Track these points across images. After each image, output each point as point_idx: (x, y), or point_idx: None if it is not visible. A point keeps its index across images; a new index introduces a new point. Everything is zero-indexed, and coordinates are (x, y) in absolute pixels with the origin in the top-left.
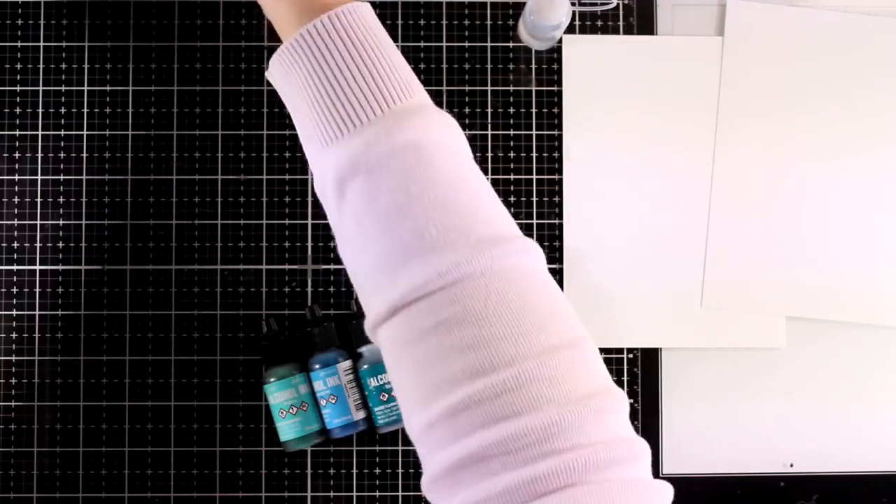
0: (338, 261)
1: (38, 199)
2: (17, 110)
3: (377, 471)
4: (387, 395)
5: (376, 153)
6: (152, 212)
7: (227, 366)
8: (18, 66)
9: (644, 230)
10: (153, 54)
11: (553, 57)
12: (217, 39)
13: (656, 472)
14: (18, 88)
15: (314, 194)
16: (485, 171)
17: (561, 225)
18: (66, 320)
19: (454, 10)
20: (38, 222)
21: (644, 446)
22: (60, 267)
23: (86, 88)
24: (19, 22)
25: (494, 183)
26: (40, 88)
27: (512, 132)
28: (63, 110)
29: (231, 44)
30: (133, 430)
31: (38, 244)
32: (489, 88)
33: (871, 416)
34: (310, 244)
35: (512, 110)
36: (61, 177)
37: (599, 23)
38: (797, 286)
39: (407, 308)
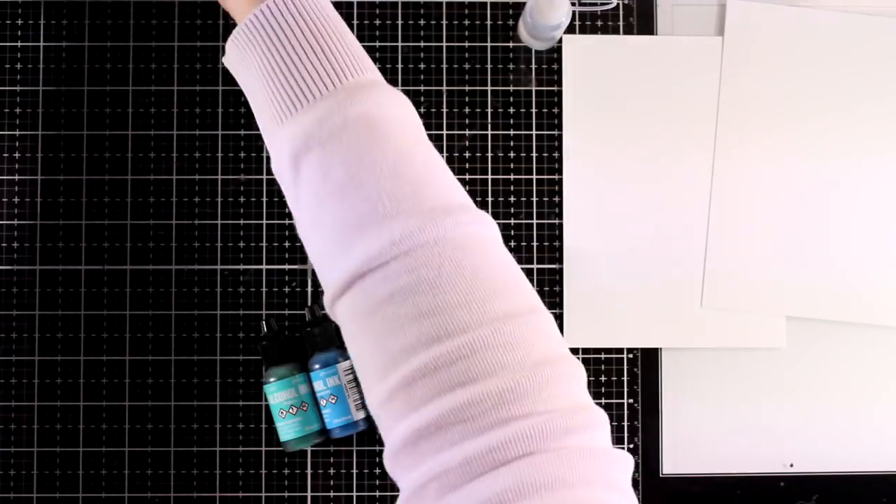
0: None
1: (39, 199)
2: (17, 110)
3: (377, 471)
4: None
5: (329, 127)
6: (152, 212)
7: (227, 366)
8: (18, 66)
9: (644, 230)
10: (153, 54)
11: (553, 57)
12: (217, 39)
13: (656, 472)
14: (18, 88)
15: None
16: (485, 171)
17: (561, 225)
18: (66, 320)
19: (454, 10)
20: (39, 222)
21: (602, 415)
22: (60, 267)
23: (86, 88)
24: (19, 22)
25: (494, 183)
26: (40, 88)
27: (512, 132)
28: (63, 110)
29: None
30: (133, 430)
31: (38, 244)
32: (489, 88)
33: (871, 416)
34: None
35: (512, 110)
36: (61, 177)
37: (599, 23)
38: (797, 286)
39: (362, 279)
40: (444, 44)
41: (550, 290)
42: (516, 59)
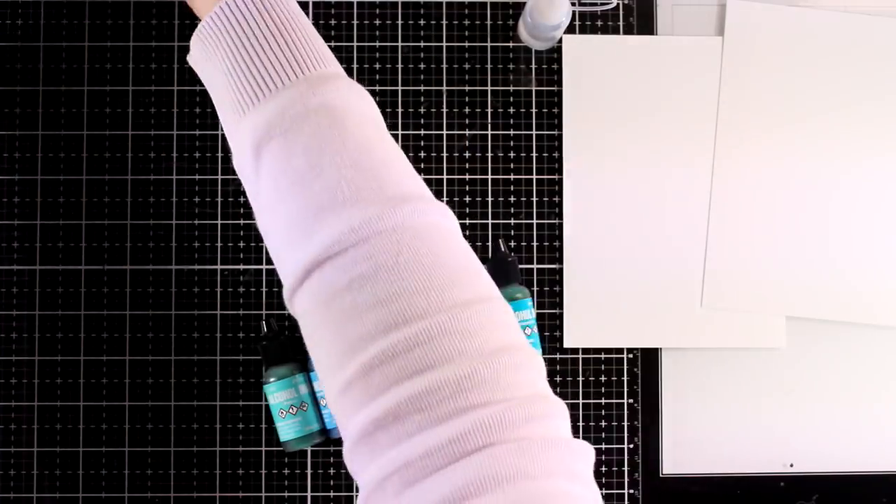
0: None
1: (39, 199)
2: (18, 110)
3: None
4: None
5: (290, 115)
6: (152, 212)
7: (227, 366)
8: (18, 66)
9: (644, 230)
10: (153, 54)
11: (553, 57)
12: None
13: (656, 472)
14: (19, 88)
15: None
16: (485, 171)
17: (561, 225)
18: (66, 320)
19: (454, 10)
20: (39, 222)
21: (561, 405)
22: (60, 267)
23: (86, 88)
24: (19, 22)
25: (494, 183)
26: (40, 88)
27: (512, 132)
28: (63, 110)
29: None
30: (133, 430)
31: (38, 244)
32: (489, 88)
33: (871, 416)
34: None
35: (512, 110)
36: (61, 177)
37: (599, 23)
38: (797, 286)
39: (321, 268)
40: (444, 44)
41: (550, 290)
42: (516, 59)
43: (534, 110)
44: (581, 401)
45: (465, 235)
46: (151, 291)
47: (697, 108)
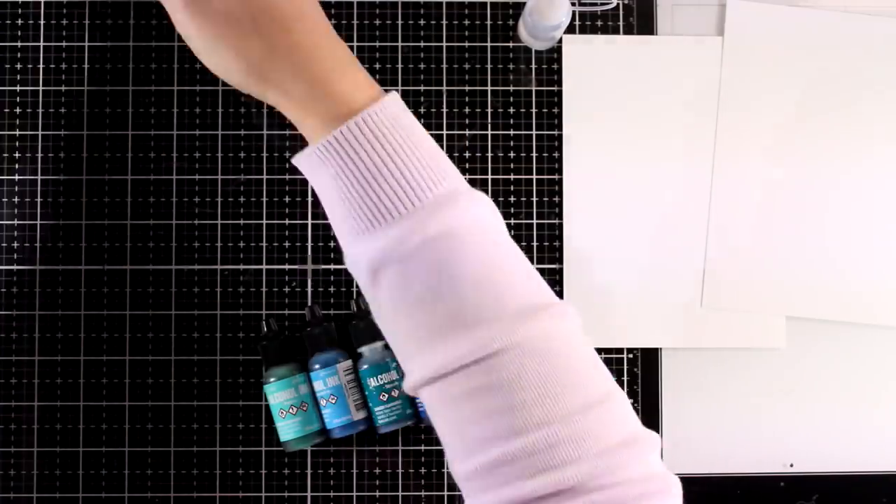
0: (338, 261)
1: (38, 199)
2: (17, 110)
3: (377, 471)
4: (387, 395)
5: (408, 247)
6: (152, 212)
7: (227, 366)
8: (18, 66)
9: (644, 230)
10: (153, 54)
11: (553, 57)
12: None
13: None
14: (18, 88)
15: (314, 194)
16: (485, 171)
17: (561, 225)
18: (66, 320)
19: (454, 10)
20: (38, 222)
21: (676, 482)
22: (60, 267)
23: (86, 88)
24: (19, 22)
25: (494, 183)
26: (40, 88)
27: (512, 132)
28: (63, 110)
29: None
30: (133, 430)
31: (38, 244)
32: (489, 88)
33: (871, 416)
34: (310, 244)
35: (512, 110)
36: (61, 177)
37: (599, 23)
38: (797, 286)
39: (443, 378)
40: (444, 44)
41: None
42: (516, 59)
43: (534, 110)
44: None
45: None
46: (151, 291)
47: (697, 108)
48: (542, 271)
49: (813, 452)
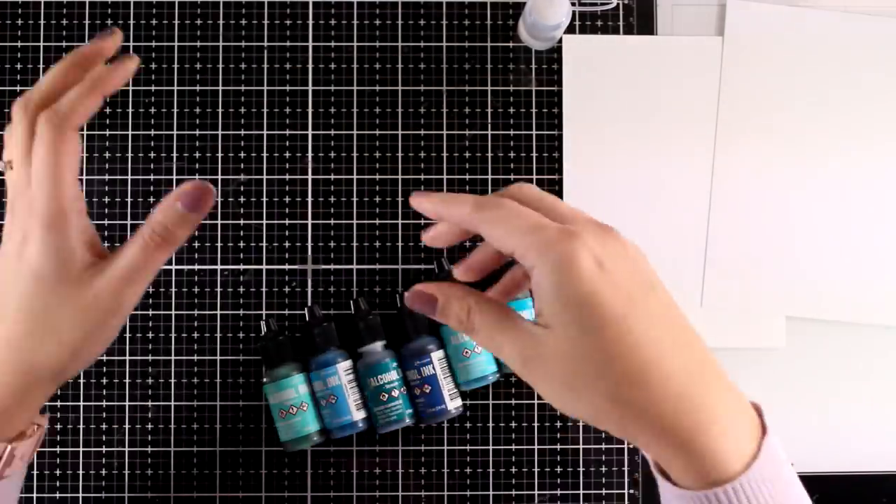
0: (338, 261)
1: None
2: None
3: (377, 471)
4: (386, 395)
5: None
6: (152, 212)
7: (227, 366)
8: (18, 66)
9: (644, 230)
10: (153, 54)
11: (553, 57)
12: (217, 40)
13: None
14: (19, 88)
15: (314, 194)
16: (485, 171)
17: None
18: None
19: (454, 10)
20: None
21: None
22: None
23: None
24: (19, 22)
25: (494, 183)
26: None
27: (512, 132)
28: None
29: (231, 44)
30: (133, 430)
31: None
32: (489, 88)
33: (871, 416)
34: (310, 244)
35: (512, 110)
36: None
37: (599, 23)
38: (797, 286)
39: None
40: (444, 44)
41: None
42: (516, 59)
43: (534, 110)
44: None
45: None
46: (151, 291)
47: (697, 108)
48: None
49: (813, 452)
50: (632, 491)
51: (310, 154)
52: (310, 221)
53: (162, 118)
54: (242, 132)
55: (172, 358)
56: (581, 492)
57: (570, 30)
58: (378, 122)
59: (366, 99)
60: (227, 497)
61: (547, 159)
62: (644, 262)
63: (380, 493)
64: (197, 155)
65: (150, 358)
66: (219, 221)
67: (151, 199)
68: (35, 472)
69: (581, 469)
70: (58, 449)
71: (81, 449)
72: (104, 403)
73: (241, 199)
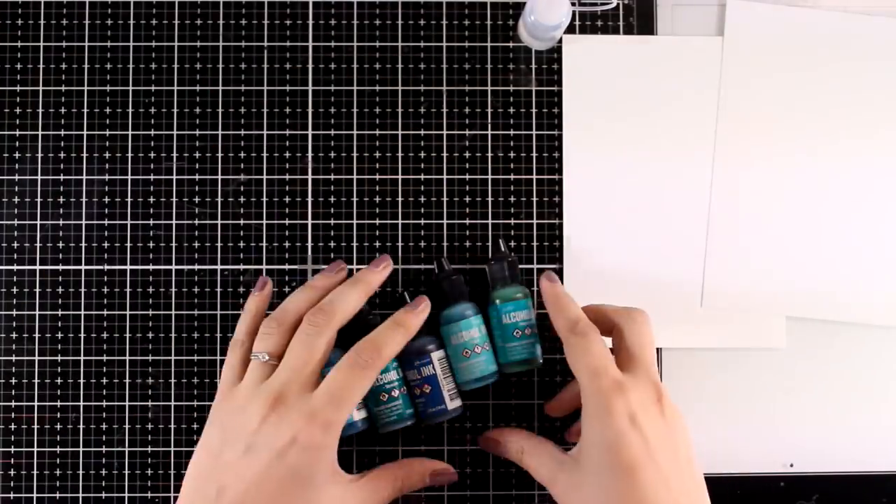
0: None
1: (38, 199)
2: (17, 110)
3: None
4: (387, 396)
5: None
6: (152, 212)
7: None
8: (18, 66)
9: (644, 230)
10: (153, 54)
11: (553, 57)
12: (217, 40)
13: None
14: (18, 88)
15: (314, 194)
16: (485, 171)
17: (561, 225)
18: (66, 320)
19: (454, 10)
20: (38, 222)
21: None
22: (60, 267)
23: (86, 88)
24: (19, 22)
25: (494, 183)
26: (40, 88)
27: (512, 132)
28: (63, 110)
29: (231, 44)
30: (133, 430)
31: (38, 244)
32: (489, 88)
33: (871, 416)
34: (310, 244)
35: (512, 110)
36: (61, 177)
37: (599, 23)
38: (797, 286)
39: None
40: (444, 44)
41: None
42: (516, 59)
43: (534, 110)
44: None
45: (465, 235)
46: (151, 291)
47: (697, 108)
48: (542, 271)
49: (813, 452)
50: None
51: (310, 154)
52: (310, 221)
53: (162, 118)
54: (242, 132)
55: (172, 358)
56: None
57: (570, 30)
58: (378, 122)
59: (366, 99)
60: None
61: (547, 159)
62: (678, 427)
63: None
64: (197, 155)
65: (150, 358)
66: (219, 221)
67: (151, 199)
68: (35, 473)
69: None
70: (58, 449)
71: (81, 449)
72: (104, 403)
73: (241, 199)
